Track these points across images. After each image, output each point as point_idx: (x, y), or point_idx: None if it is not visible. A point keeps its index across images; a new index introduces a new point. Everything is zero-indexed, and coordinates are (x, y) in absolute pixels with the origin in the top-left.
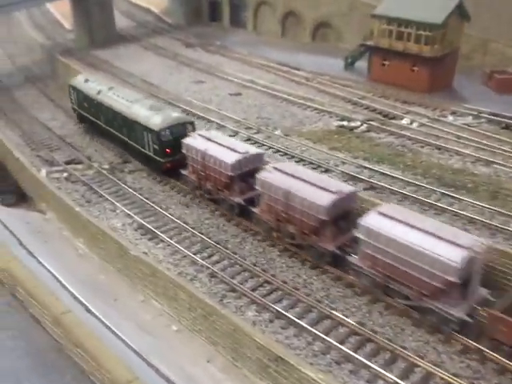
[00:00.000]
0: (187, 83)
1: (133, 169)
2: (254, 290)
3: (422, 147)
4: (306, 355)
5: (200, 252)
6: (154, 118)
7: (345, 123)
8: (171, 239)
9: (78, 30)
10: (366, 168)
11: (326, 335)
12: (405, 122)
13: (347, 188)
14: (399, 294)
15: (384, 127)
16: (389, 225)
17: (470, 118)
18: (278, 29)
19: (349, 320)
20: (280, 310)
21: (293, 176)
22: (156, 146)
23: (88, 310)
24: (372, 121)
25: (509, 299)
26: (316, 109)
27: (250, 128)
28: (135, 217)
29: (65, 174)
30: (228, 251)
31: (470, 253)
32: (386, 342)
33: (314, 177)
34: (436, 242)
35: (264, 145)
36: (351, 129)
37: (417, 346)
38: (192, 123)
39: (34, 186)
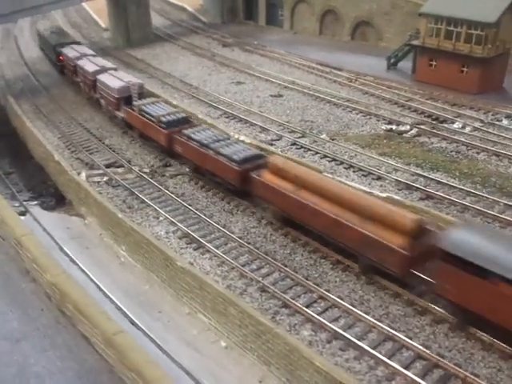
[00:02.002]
0: (227, 84)
1: (174, 173)
2: (308, 306)
3: (478, 153)
4: (369, 381)
5: (248, 264)
6: (55, 39)
7: (393, 127)
8: (217, 249)
9: (113, 28)
10: (420, 176)
11: (389, 359)
12: (456, 126)
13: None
14: (111, 113)
15: (435, 131)
16: (108, 78)
17: None
18: (316, 27)
19: (413, 343)
20: (338, 329)
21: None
22: (54, 56)
23: (138, 328)
24: (422, 124)
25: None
26: (362, 111)
27: (295, 132)
28: (179, 224)
29: (105, 178)
30: (278, 263)
31: (126, 84)
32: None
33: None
34: (118, 82)
35: (310, 150)
36: (400, 133)
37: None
38: (79, 43)
39: (74, 189)
